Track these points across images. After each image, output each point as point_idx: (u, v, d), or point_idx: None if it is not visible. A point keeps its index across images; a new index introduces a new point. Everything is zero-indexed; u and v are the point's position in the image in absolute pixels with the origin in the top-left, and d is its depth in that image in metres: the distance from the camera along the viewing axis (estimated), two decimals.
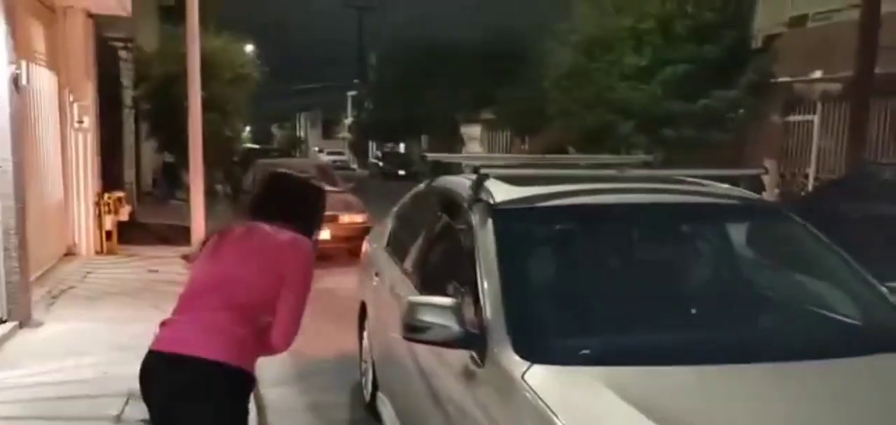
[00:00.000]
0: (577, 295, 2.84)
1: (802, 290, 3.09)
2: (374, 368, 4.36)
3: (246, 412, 2.54)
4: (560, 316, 2.68)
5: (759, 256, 3.42)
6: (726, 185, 3.31)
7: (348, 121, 58.42)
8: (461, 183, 3.29)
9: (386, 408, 3.90)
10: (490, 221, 2.76)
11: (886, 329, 2.65)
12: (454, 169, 4.05)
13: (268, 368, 5.55)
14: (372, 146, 48.91)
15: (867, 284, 2.81)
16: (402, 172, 32.84)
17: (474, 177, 3.02)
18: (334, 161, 42.54)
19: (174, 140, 13.59)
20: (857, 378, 2.26)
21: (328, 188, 11.25)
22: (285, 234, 2.56)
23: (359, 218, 10.31)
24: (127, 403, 4.34)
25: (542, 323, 2.52)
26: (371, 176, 35.85)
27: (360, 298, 4.88)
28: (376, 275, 4.41)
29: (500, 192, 2.91)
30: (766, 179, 16.12)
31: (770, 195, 15.58)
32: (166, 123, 14.59)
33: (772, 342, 2.63)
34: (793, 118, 15.67)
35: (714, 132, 15.25)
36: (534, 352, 2.25)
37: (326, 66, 58.09)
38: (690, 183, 3.31)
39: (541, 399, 2.05)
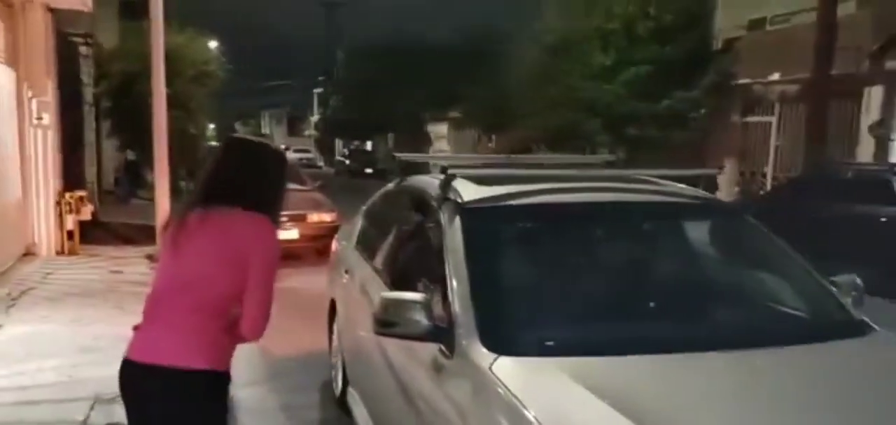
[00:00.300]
0: (542, 289, 2.96)
1: (754, 284, 3.25)
2: (344, 365, 4.41)
3: (225, 410, 2.47)
4: (526, 309, 2.77)
5: (715, 252, 3.58)
6: (682, 185, 3.46)
7: (314, 118, 57.96)
8: (430, 182, 3.37)
9: (356, 404, 3.94)
10: (458, 220, 2.86)
11: (830, 319, 2.82)
12: (423, 168, 4.13)
13: (239, 368, 5.46)
14: (339, 144, 48.64)
15: (813, 278, 2.99)
16: (369, 170, 32.71)
17: (442, 176, 3.11)
18: (301, 159, 42.11)
19: (136, 138, 13.33)
20: (804, 363, 2.44)
21: (296, 187, 11.09)
22: (243, 217, 2.35)
23: (327, 217, 10.24)
24: (93, 408, 4.26)
25: (508, 317, 2.60)
26: (338, 174, 35.60)
27: (330, 296, 4.92)
28: (346, 272, 4.45)
29: (468, 192, 3.01)
30: (723, 178, 16.55)
31: (730, 194, 15.98)
32: (128, 121, 14.32)
33: (725, 332, 2.78)
34: (752, 119, 16.09)
35: (676, 132, 15.57)
36: (501, 345, 2.34)
37: (292, 63, 57.56)
38: (650, 182, 3.46)
39: (508, 388, 2.14)
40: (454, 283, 2.63)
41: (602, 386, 2.08)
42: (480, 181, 3.13)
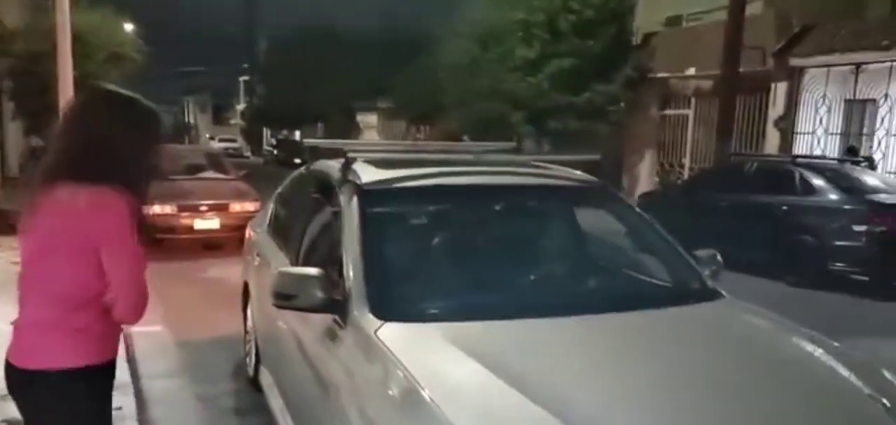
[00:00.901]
0: (426, 262, 3.25)
1: (622, 256, 3.65)
2: (257, 345, 4.53)
3: (105, 402, 2.27)
4: (411, 281, 3.05)
5: (588, 228, 3.88)
6: (569, 169, 3.80)
7: (241, 106, 56.44)
8: (334, 167, 3.51)
9: (267, 381, 4.07)
10: (355, 200, 3.06)
11: (687, 287, 3.15)
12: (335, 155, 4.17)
13: (154, 359, 5.39)
14: (266, 133, 47.58)
15: (675, 251, 3.33)
16: (297, 160, 32.10)
17: (343, 161, 3.33)
18: (226, 148, 40.93)
19: (43, 122, 12.58)
20: (660, 322, 2.78)
21: (218, 176, 10.82)
22: (82, 196, 2.03)
23: (250, 206, 10.04)
24: None
25: (395, 288, 2.85)
26: (265, 163, 34.85)
27: (244, 279, 5.05)
28: (258, 255, 4.60)
29: (367, 174, 3.23)
30: (643, 168, 17.18)
31: (650, 184, 16.61)
32: (34, 104, 13.47)
33: (591, 298, 3.12)
34: (669, 112, 16.73)
35: (597, 124, 16.01)
36: (387, 312, 2.56)
37: (216, 49, 55.80)
38: (537, 166, 3.80)
39: (389, 350, 2.36)
40: (349, 258, 2.82)
41: (474, 346, 2.33)
42: (381, 165, 3.36)
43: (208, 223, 9.55)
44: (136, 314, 2.18)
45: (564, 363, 2.36)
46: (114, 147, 2.11)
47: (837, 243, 8.30)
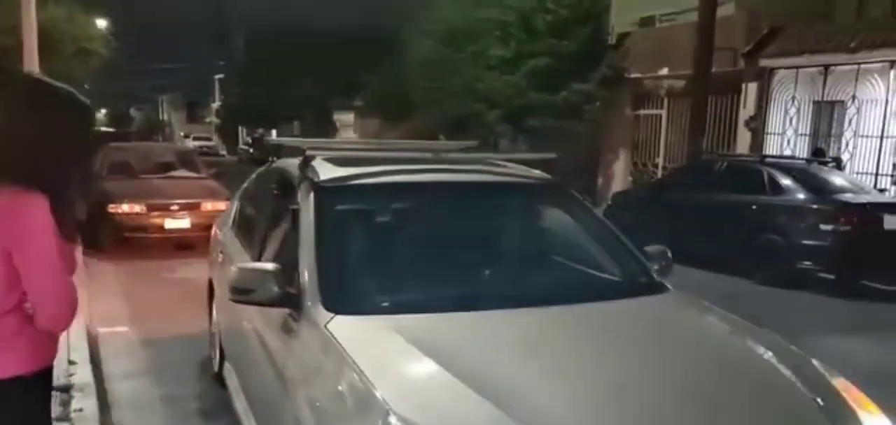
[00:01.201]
0: (380, 258, 3.34)
1: (573, 251, 3.73)
2: (221, 342, 4.59)
3: (44, 413, 2.18)
4: (364, 275, 3.13)
5: (541, 225, 3.98)
6: (525, 167, 3.90)
7: (216, 104, 55.82)
8: (294, 164, 3.56)
9: (231, 377, 4.13)
10: (312, 196, 3.15)
11: (635, 281, 3.28)
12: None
13: (120, 361, 5.32)
14: (242, 131, 47.11)
15: (624, 247, 3.48)
16: (273, 159, 31.75)
17: (301, 158, 3.40)
18: (201, 147, 40.41)
19: None
20: (607, 314, 2.91)
21: (190, 175, 10.73)
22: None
23: (222, 205, 9.91)
24: None
25: (347, 282, 2.94)
26: (240, 162, 34.46)
27: (209, 276, 5.10)
28: (221, 253, 4.65)
29: (325, 172, 3.30)
30: (618, 167, 17.31)
31: (624, 183, 16.74)
32: None
33: (540, 291, 3.17)
34: (643, 111, 16.87)
35: (573, 123, 16.10)
36: (338, 306, 2.64)
37: (192, 46, 55.09)
38: (495, 164, 3.89)
39: (337, 340, 2.44)
40: (304, 253, 2.90)
41: (421, 337, 2.42)
42: (340, 163, 3.43)
43: (179, 222, 9.44)
44: (60, 323, 2.05)
45: (507, 352, 2.45)
46: (32, 143, 1.93)
47: (804, 242, 8.44)
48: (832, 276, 8.62)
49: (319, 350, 2.53)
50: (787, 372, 2.48)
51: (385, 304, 2.81)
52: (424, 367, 2.29)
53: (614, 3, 16.77)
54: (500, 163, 3.95)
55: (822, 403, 2.34)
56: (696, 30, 12.32)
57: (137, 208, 9.39)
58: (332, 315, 2.60)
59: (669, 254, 3.41)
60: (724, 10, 13.11)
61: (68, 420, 3.91)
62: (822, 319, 7.41)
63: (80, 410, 4.02)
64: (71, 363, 4.76)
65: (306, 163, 3.34)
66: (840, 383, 2.51)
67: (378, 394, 2.12)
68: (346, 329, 2.52)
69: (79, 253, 8.83)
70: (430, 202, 3.58)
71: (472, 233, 3.54)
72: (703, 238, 9.62)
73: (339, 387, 2.29)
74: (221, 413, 4.26)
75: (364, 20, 31.01)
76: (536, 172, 3.82)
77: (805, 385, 2.41)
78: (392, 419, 2.02)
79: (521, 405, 2.06)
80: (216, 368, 4.72)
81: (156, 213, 9.43)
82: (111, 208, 9.35)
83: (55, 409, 4.00)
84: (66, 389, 4.30)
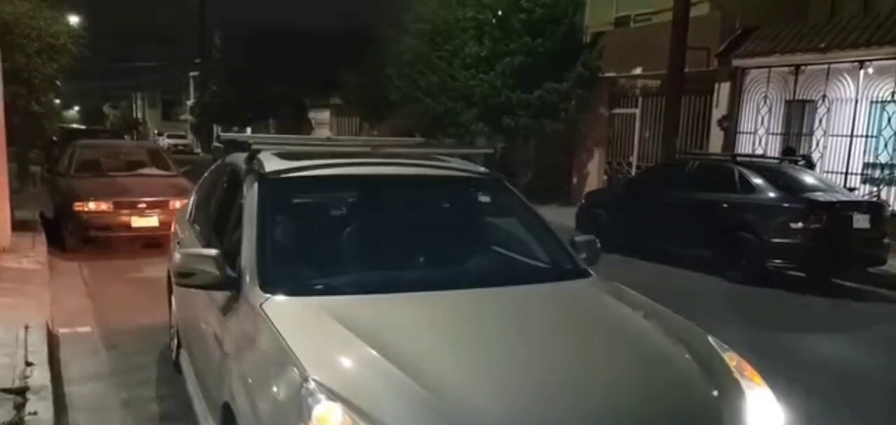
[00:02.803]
0: (313, 243, 3.56)
1: (505, 240, 3.99)
2: (178, 331, 4.80)
3: None
4: (299, 260, 3.34)
5: (474, 215, 4.20)
6: (466, 161, 4.14)
7: (191, 102, 55.14)
8: (242, 158, 3.76)
9: (186, 364, 4.30)
10: (256, 186, 3.35)
11: (561, 267, 3.51)
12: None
13: (81, 362, 5.17)
14: (217, 129, 46.55)
15: (552, 236, 3.71)
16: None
17: (248, 152, 3.60)
18: (176, 145, 39.94)
19: None
20: (527, 295, 3.15)
21: (158, 172, 10.52)
22: None
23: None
24: None
25: (282, 266, 3.10)
26: (214, 160, 34.07)
27: (168, 269, 5.16)
28: (178, 244, 4.84)
29: (270, 165, 3.49)
30: (593, 165, 17.38)
31: (599, 181, 16.82)
32: None
33: (468, 275, 3.41)
34: (618, 110, 16.96)
35: (548, 122, 16.14)
36: (273, 287, 2.83)
37: (167, 44, 54.33)
38: (436, 159, 4.08)
39: (269, 318, 2.63)
40: (245, 238, 3.11)
41: (344, 315, 2.61)
42: (286, 156, 3.61)
43: (147, 220, 9.26)
44: None
45: (424, 328, 2.66)
46: None
47: (775, 240, 8.51)
48: (803, 274, 8.72)
49: (252, 327, 2.71)
50: (679, 346, 2.71)
51: (317, 286, 2.98)
52: (344, 341, 2.46)
53: (589, 3, 16.83)
54: (441, 157, 4.15)
55: (708, 373, 2.57)
56: (671, 29, 12.39)
57: (104, 206, 9.19)
58: (267, 296, 2.78)
59: (598, 245, 3.69)
60: (698, 10, 13.21)
61: (22, 423, 3.78)
62: (793, 316, 7.48)
63: (35, 413, 3.89)
64: (28, 364, 4.63)
65: (252, 156, 3.55)
66: (730, 357, 2.72)
67: (299, 362, 2.30)
68: (277, 307, 2.71)
69: (44, 251, 8.60)
70: (366, 193, 3.84)
71: (405, 223, 3.76)
72: (675, 236, 9.68)
73: (266, 358, 2.50)
74: (181, 416, 4.15)
75: (341, 18, 30.87)
76: (474, 166, 4.05)
77: (695, 357, 2.65)
78: (310, 384, 2.19)
79: (428, 372, 2.27)
80: (173, 357, 4.89)
81: (123, 212, 9.24)
82: (77, 206, 9.15)
83: (8, 412, 3.88)
84: (21, 392, 4.17)
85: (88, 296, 7.26)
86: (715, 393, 2.47)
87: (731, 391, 2.51)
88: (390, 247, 3.53)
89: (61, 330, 5.86)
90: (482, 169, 4.06)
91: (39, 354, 4.84)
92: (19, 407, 3.95)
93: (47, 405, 4.04)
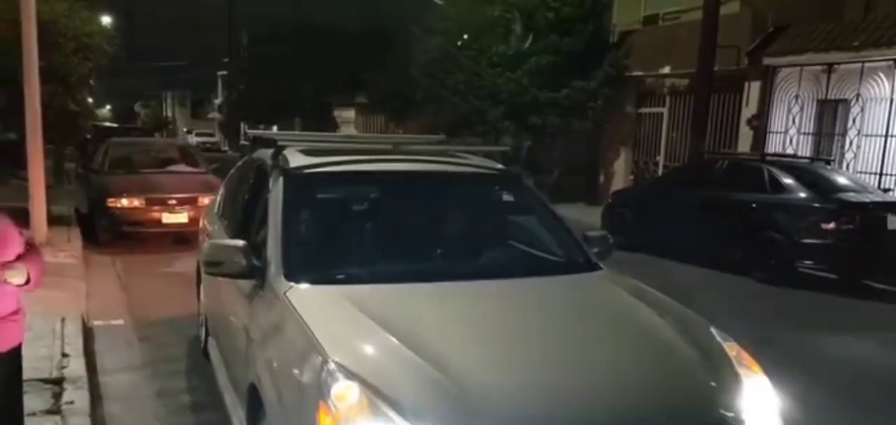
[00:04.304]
0: (338, 236, 3.72)
1: (521, 234, 4.11)
2: (206, 320, 4.99)
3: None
4: (322, 251, 3.50)
5: (492, 210, 4.32)
6: (483, 158, 4.29)
7: (219, 101, 55.86)
8: (270, 154, 3.87)
9: (214, 351, 4.49)
10: (281, 181, 3.48)
11: (573, 260, 3.64)
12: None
13: (115, 354, 5.30)
14: (244, 127, 47.08)
15: (566, 231, 3.83)
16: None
17: (274, 148, 3.76)
18: (204, 143, 40.43)
19: (11, 115, 12.26)
20: (542, 286, 3.31)
21: (188, 169, 10.72)
22: None
23: None
24: None
25: (305, 256, 3.24)
26: (242, 157, 34.47)
27: (197, 260, 5.26)
28: (207, 236, 4.99)
29: (295, 160, 3.64)
30: (619, 165, 17.26)
31: (625, 181, 16.69)
32: None
33: (484, 267, 3.58)
34: (645, 109, 16.80)
35: (575, 120, 16.04)
36: (297, 276, 2.96)
37: (197, 43, 55.16)
38: (454, 156, 4.26)
39: (293, 305, 2.77)
40: (271, 230, 3.25)
41: (364, 302, 2.75)
42: (310, 153, 3.77)
43: (177, 216, 9.43)
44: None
45: (439, 315, 2.81)
46: None
47: (806, 241, 8.37)
48: (834, 276, 8.56)
49: (276, 313, 2.84)
50: (681, 335, 2.82)
51: (339, 276, 3.11)
52: (363, 326, 2.59)
53: (617, 2, 16.70)
54: (460, 154, 4.33)
55: (708, 361, 2.70)
56: (700, 27, 12.24)
57: (136, 202, 9.38)
58: (291, 284, 2.91)
59: (610, 240, 3.82)
60: (728, 8, 13.03)
61: (59, 412, 3.90)
62: (822, 318, 7.36)
63: (71, 403, 4.01)
64: (64, 355, 4.76)
65: (277, 152, 3.70)
66: (730, 347, 2.83)
67: (320, 345, 2.43)
68: (300, 295, 2.84)
69: (79, 246, 8.79)
70: (386, 189, 3.97)
71: (422, 217, 3.87)
72: (703, 236, 9.57)
73: (290, 342, 2.63)
74: (211, 406, 4.23)
75: (368, 17, 30.99)
76: (491, 163, 4.20)
77: (696, 346, 2.76)
78: (330, 365, 2.32)
79: (442, 355, 2.39)
80: (203, 345, 5.05)
81: (154, 208, 9.42)
82: (110, 202, 9.36)
83: (46, 401, 4.00)
84: (58, 382, 4.29)
85: (121, 290, 7.43)
86: (713, 381, 2.60)
87: (729, 378, 2.63)
88: (408, 239, 3.67)
89: (96, 323, 6.00)
90: (499, 166, 4.19)
91: (75, 346, 4.98)
92: (57, 397, 4.08)
93: (83, 395, 4.16)
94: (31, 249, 2.17)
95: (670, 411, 2.47)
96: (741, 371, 2.67)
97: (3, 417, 2.21)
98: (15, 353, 2.17)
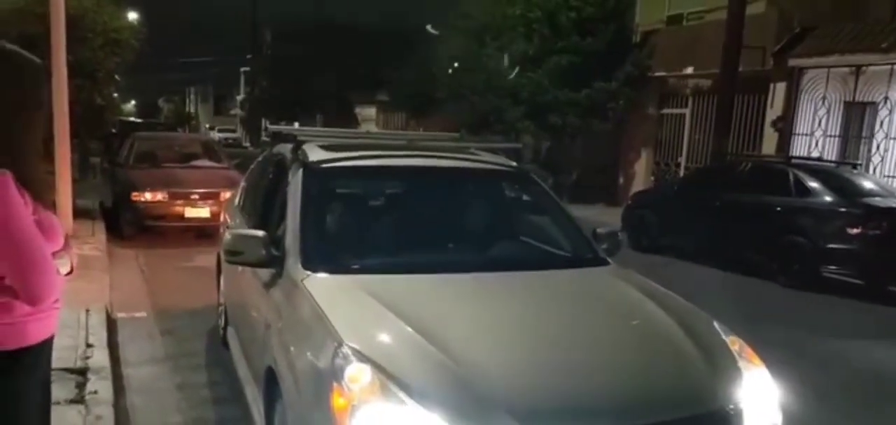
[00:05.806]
0: (354, 227, 3.84)
1: (531, 229, 4.22)
2: (226, 309, 5.10)
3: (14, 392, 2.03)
4: (339, 242, 3.61)
5: (502, 205, 4.42)
6: (494, 155, 4.40)
7: (241, 97, 56.36)
8: (290, 149, 3.99)
9: (232, 339, 4.60)
10: (300, 174, 3.60)
11: (581, 255, 3.74)
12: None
13: (138, 346, 5.37)
14: (265, 123, 47.48)
15: (574, 226, 3.95)
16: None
17: (293, 143, 3.89)
18: (226, 138, 40.83)
19: None
20: (549, 278, 3.44)
21: (210, 164, 10.80)
22: None
23: None
24: None
25: (323, 246, 3.36)
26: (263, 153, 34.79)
27: (218, 252, 5.43)
28: (227, 228, 5.11)
29: (314, 155, 3.75)
30: (640, 166, 17.12)
31: (646, 182, 16.55)
32: None
33: (493, 259, 3.66)
34: (667, 110, 16.65)
35: (596, 121, 15.95)
36: (314, 265, 3.07)
37: (220, 39, 55.74)
38: (467, 152, 4.37)
39: (309, 293, 2.87)
40: (289, 221, 3.38)
41: (378, 291, 2.85)
42: (329, 148, 3.89)
43: (199, 211, 9.53)
44: (37, 295, 1.93)
45: (450, 304, 2.93)
46: None
47: (831, 245, 8.24)
48: (860, 282, 8.42)
49: (294, 301, 2.95)
50: (683, 328, 2.88)
51: (354, 266, 3.22)
52: (377, 313, 2.70)
53: (640, 1, 16.55)
54: (474, 151, 4.45)
55: (709, 353, 2.75)
56: (725, 27, 12.09)
57: (160, 196, 9.49)
58: (308, 273, 3.02)
59: (619, 236, 3.95)
60: (754, 8, 12.86)
61: (83, 401, 3.95)
62: (845, 323, 7.24)
63: (95, 392, 4.06)
64: (89, 346, 4.83)
65: (297, 147, 3.82)
66: (732, 340, 2.89)
67: (335, 331, 2.53)
68: (317, 283, 2.95)
69: (103, 239, 8.90)
70: (401, 183, 4.13)
71: (436, 211, 3.98)
72: (724, 238, 9.46)
73: (306, 328, 2.74)
74: (232, 400, 4.27)
75: (389, 16, 31.09)
76: (503, 159, 4.32)
77: (698, 338, 2.83)
78: (344, 349, 2.41)
79: (451, 342, 2.50)
80: (222, 334, 5.17)
81: (177, 202, 9.52)
82: (134, 196, 9.47)
83: (70, 391, 4.06)
84: (82, 372, 4.35)
85: (144, 283, 7.52)
86: (713, 371, 2.67)
87: (730, 369, 2.69)
88: (421, 232, 3.80)
89: (119, 315, 6.08)
90: (512, 163, 4.32)
91: (99, 337, 5.05)
92: (81, 386, 4.14)
93: (107, 385, 4.21)
94: (67, 241, 2.18)
95: (672, 398, 2.53)
96: (742, 363, 2.74)
97: (43, 403, 2.23)
98: (52, 340, 2.20)
